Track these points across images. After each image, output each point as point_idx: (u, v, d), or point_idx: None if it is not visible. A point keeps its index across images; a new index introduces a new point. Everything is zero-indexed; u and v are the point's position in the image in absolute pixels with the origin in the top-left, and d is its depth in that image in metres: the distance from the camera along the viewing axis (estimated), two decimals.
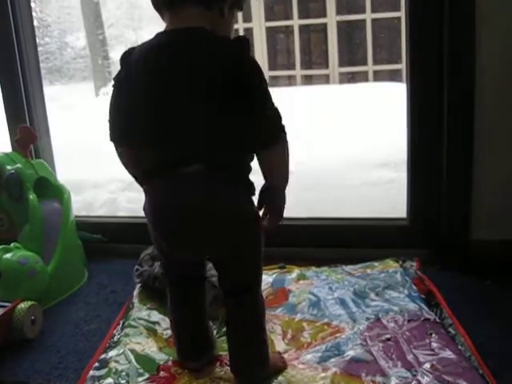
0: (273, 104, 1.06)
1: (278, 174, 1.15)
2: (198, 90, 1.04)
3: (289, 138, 1.10)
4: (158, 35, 1.09)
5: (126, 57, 1.09)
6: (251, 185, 1.13)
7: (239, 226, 1.09)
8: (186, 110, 1.05)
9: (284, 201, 1.18)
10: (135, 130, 1.11)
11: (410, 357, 1.23)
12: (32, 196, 1.70)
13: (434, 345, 1.26)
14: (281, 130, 1.08)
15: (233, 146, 1.07)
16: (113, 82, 1.12)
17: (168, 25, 1.09)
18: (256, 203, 1.15)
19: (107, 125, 1.15)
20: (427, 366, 1.19)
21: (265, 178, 1.15)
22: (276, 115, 1.07)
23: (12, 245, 1.57)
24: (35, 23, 2.13)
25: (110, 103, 1.13)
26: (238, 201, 1.09)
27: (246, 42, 1.04)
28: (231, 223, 1.08)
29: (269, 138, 1.07)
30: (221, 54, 1.03)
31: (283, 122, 1.07)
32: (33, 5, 2.10)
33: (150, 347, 1.35)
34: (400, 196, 1.84)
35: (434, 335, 1.30)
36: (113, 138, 1.15)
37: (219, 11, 1.08)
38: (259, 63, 1.06)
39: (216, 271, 1.20)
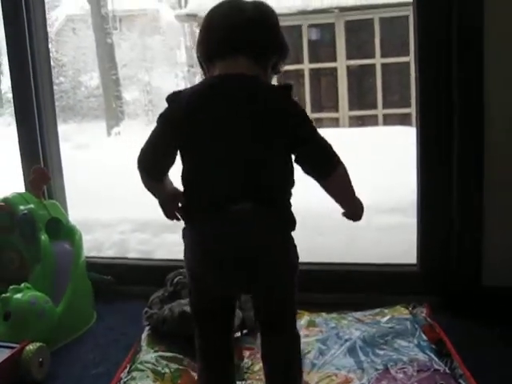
0: (322, 136, 1.13)
1: (346, 196, 1.18)
2: (249, 129, 1.10)
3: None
4: (209, 78, 1.17)
5: (175, 97, 1.14)
6: (294, 221, 1.15)
7: (283, 262, 1.14)
8: (238, 150, 1.09)
9: (359, 206, 1.19)
10: (168, 166, 1.16)
11: None
12: (44, 237, 1.71)
13: None
14: (336, 156, 1.13)
15: (279, 184, 1.13)
16: (159, 118, 1.14)
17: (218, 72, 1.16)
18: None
19: (139, 152, 1.15)
20: None
21: (336, 202, 1.18)
22: (328, 144, 1.13)
23: (22, 285, 1.58)
24: (51, 63, 2.18)
25: (151, 136, 1.15)
26: (283, 239, 1.14)
27: (290, 88, 1.14)
28: (277, 260, 1.12)
29: (329, 165, 1.13)
30: (270, 99, 1.13)
31: (334, 149, 1.13)
32: (49, 45, 2.16)
33: None
34: (410, 242, 1.84)
35: None
36: (142, 168, 1.16)
37: (264, 67, 1.18)
38: None
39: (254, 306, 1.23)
